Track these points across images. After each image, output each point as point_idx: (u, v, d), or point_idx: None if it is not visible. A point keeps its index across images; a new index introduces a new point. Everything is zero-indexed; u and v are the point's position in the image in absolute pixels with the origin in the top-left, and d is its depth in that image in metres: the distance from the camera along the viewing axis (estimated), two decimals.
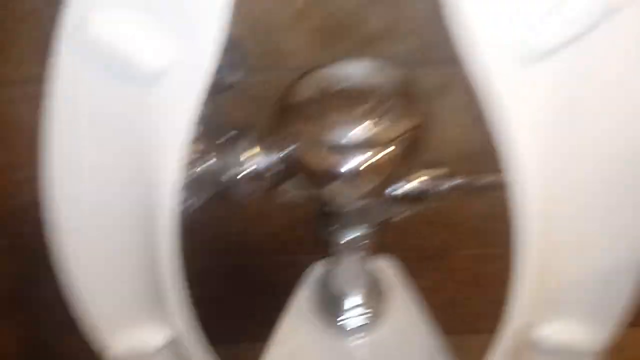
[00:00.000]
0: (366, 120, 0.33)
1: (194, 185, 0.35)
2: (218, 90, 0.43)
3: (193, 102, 0.27)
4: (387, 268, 0.53)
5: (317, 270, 0.54)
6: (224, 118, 0.45)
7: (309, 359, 0.50)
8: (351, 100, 0.34)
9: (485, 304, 0.77)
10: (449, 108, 0.46)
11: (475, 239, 0.64)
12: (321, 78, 0.36)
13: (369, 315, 0.50)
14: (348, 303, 0.50)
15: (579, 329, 0.35)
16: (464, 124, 0.47)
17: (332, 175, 0.34)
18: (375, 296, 0.51)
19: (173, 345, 0.36)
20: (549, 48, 0.26)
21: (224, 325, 0.81)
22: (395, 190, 0.37)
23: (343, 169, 0.33)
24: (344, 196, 0.36)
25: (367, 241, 0.42)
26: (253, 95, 0.45)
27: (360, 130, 0.33)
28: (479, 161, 0.51)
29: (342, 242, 0.41)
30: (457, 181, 0.39)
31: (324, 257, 0.54)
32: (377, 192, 0.36)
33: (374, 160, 0.33)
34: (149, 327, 0.36)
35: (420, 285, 0.69)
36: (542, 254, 0.32)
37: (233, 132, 0.36)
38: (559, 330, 0.35)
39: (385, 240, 0.61)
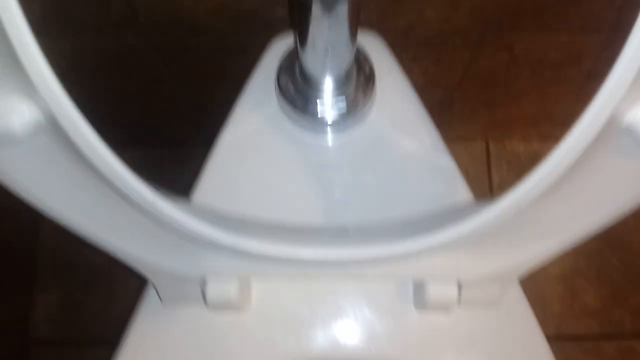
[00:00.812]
0: None
1: None
2: None
3: None
4: (370, 47, 0.40)
5: (280, 47, 0.40)
6: None
7: (268, 147, 0.39)
8: None
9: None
10: None
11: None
12: None
13: (349, 103, 0.37)
14: (321, 87, 0.37)
15: None
16: None
17: None
18: (357, 80, 0.38)
19: (49, 124, 0.25)
20: None
21: (171, 120, 0.69)
22: None
23: None
24: None
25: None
26: None
27: None
28: None
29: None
30: None
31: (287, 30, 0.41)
32: None
33: None
34: (9, 101, 0.24)
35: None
36: None
37: None
38: None
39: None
